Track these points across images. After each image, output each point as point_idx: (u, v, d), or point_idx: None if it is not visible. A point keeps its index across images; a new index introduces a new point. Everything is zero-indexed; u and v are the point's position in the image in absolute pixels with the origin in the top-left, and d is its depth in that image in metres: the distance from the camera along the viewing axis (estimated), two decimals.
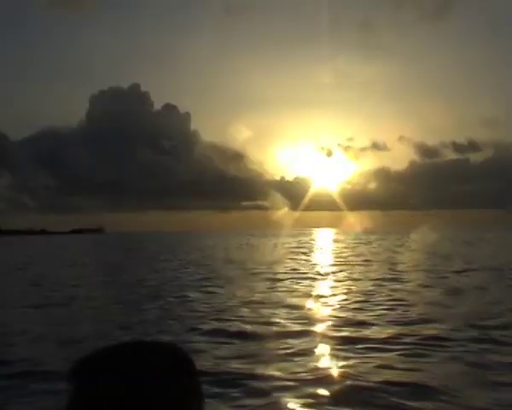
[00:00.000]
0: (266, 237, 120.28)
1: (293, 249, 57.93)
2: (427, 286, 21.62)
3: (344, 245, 68.71)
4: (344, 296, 19.20)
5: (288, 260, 38.94)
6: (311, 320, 14.63)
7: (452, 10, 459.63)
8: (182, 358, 1.14)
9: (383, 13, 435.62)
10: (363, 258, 39.48)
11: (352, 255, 44.21)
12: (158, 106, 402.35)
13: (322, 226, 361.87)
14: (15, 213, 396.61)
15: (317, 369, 9.72)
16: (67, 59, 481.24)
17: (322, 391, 8.48)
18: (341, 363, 10.04)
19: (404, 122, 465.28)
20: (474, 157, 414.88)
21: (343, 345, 11.50)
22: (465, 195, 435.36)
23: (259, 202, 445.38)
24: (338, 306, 17.13)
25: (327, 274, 27.92)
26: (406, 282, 23.13)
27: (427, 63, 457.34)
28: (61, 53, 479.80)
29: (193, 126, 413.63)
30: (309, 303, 17.81)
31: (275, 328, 13.59)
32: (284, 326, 13.78)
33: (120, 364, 1.08)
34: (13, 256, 59.99)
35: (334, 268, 31.21)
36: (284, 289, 21.99)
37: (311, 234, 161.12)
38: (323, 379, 9.07)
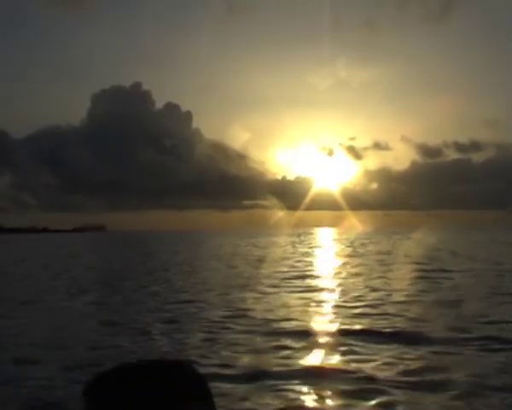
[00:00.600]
0: (277, 236, 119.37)
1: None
2: None
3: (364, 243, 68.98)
4: None
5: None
6: None
7: (455, 11, 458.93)
8: (196, 377, 1.15)
9: (385, 13, 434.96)
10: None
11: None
12: (159, 105, 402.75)
13: (322, 226, 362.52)
14: (17, 212, 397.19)
15: None
16: (69, 58, 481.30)
17: None
18: None
19: (406, 122, 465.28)
20: (476, 157, 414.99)
21: None
22: (466, 195, 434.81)
23: (260, 202, 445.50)
24: None
25: None
26: None
27: (429, 63, 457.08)
28: (62, 52, 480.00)
29: (194, 125, 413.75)
30: None
31: None
32: None
33: (134, 383, 1.09)
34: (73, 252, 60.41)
35: None
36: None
37: (313, 233, 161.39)
38: None
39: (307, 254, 48.41)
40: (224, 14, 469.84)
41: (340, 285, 23.25)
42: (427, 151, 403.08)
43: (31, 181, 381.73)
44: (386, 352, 11.09)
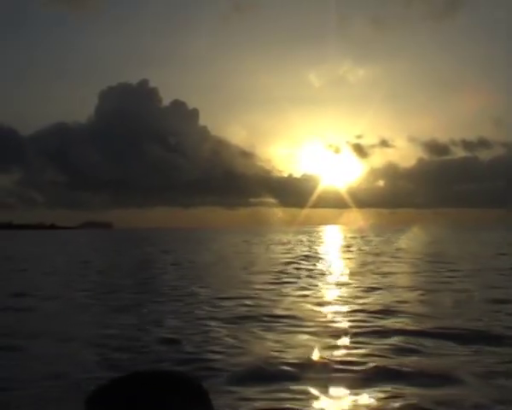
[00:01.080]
0: (292, 233, 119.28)
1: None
2: None
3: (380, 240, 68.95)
4: None
5: None
6: None
7: (461, 7, 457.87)
8: (195, 389, 1.14)
9: (391, 10, 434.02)
10: None
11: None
12: (166, 102, 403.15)
13: (328, 223, 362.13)
14: (24, 209, 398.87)
15: None
16: (77, 55, 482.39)
17: None
18: None
19: (413, 120, 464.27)
20: (484, 155, 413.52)
21: None
22: (473, 193, 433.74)
23: (266, 199, 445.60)
24: None
25: None
26: None
27: (436, 60, 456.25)
28: (69, 50, 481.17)
29: (201, 123, 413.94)
30: None
31: None
32: None
33: (133, 395, 1.09)
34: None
35: None
36: None
37: (319, 231, 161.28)
38: None
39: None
40: (231, 11, 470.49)
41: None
42: (433, 149, 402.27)
43: (38, 178, 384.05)
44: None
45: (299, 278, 26.03)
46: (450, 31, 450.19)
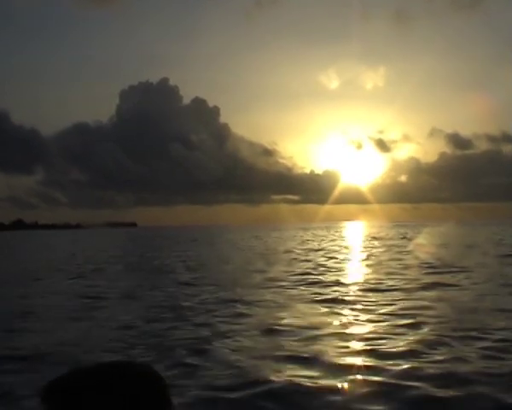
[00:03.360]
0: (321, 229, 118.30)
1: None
2: None
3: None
4: None
5: None
6: None
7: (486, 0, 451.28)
8: (154, 380, 1.14)
9: (416, 4, 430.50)
10: None
11: None
12: (187, 100, 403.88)
13: (350, 219, 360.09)
14: (47, 209, 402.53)
15: None
16: (97, 55, 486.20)
17: None
18: None
19: (436, 114, 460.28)
20: (507, 149, 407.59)
21: None
22: (497, 187, 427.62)
23: (289, 196, 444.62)
24: None
25: None
26: None
27: (460, 54, 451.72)
28: (90, 49, 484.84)
29: (222, 120, 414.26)
30: None
31: None
32: None
33: (92, 386, 1.08)
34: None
35: None
36: None
37: (343, 227, 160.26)
38: None
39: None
40: (250, 8, 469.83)
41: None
42: (456, 143, 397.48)
43: (60, 178, 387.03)
44: None
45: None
46: (476, 24, 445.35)
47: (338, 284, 20.46)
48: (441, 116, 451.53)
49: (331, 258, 33.79)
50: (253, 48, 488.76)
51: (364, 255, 35.77)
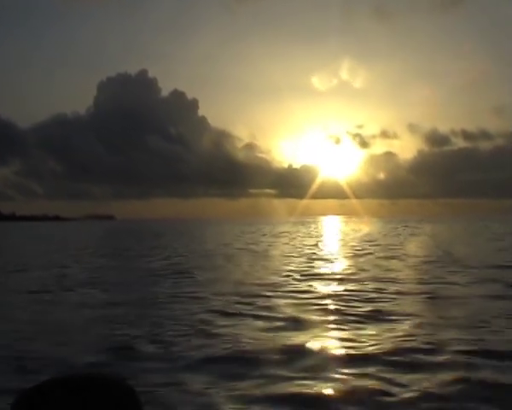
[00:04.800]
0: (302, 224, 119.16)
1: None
2: None
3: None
4: None
5: None
6: None
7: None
8: (124, 391, 1.12)
9: (394, 2, 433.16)
10: None
11: None
12: (165, 92, 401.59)
13: (328, 214, 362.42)
14: (24, 200, 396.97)
15: None
16: (75, 45, 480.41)
17: None
18: None
19: (414, 110, 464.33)
20: (484, 146, 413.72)
21: None
22: (474, 184, 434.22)
23: (267, 190, 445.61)
24: None
25: None
26: None
27: (438, 51, 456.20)
28: (68, 39, 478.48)
29: (200, 113, 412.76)
30: None
31: None
32: None
33: (62, 399, 1.06)
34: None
35: None
36: None
37: (319, 222, 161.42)
38: None
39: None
40: (233, 1, 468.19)
41: None
42: (434, 139, 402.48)
43: (37, 169, 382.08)
44: None
45: None
46: (453, 22, 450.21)
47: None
48: (419, 112, 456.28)
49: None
50: (234, 41, 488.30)
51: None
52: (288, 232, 72.16)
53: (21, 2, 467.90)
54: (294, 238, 56.00)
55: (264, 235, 66.39)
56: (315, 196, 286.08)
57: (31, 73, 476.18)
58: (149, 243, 51.43)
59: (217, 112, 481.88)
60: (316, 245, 43.26)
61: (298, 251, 35.83)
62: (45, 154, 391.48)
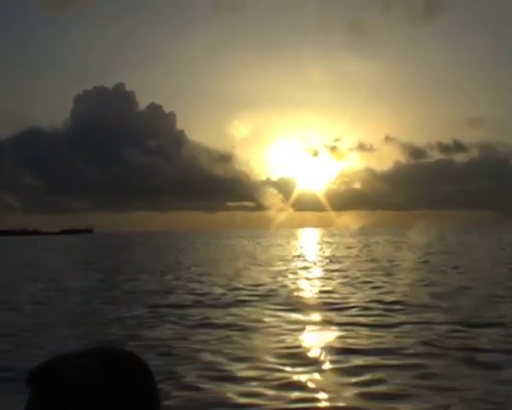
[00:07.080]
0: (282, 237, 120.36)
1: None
2: None
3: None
4: None
5: None
6: None
7: (440, 11, 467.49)
8: (139, 366, 1.15)
9: (371, 13, 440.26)
10: None
11: None
12: (143, 106, 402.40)
13: (306, 226, 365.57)
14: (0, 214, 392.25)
15: None
16: (52, 58, 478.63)
17: None
18: None
19: (391, 123, 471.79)
20: (460, 158, 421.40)
21: None
22: (450, 195, 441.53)
23: (245, 203, 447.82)
24: None
25: None
26: None
27: (414, 63, 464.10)
28: (45, 52, 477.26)
29: (178, 127, 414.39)
30: None
31: None
32: None
33: (78, 371, 1.08)
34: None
35: None
36: None
37: (299, 235, 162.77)
38: None
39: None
40: (210, 13, 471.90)
41: None
42: (411, 152, 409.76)
43: (14, 182, 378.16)
44: None
45: None
46: (429, 34, 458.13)
47: None
48: (396, 124, 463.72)
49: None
50: (211, 53, 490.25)
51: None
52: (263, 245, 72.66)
53: None
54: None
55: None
56: (293, 209, 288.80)
57: (6, 85, 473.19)
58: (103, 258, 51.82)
59: (194, 125, 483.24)
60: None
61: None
62: (21, 167, 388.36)
